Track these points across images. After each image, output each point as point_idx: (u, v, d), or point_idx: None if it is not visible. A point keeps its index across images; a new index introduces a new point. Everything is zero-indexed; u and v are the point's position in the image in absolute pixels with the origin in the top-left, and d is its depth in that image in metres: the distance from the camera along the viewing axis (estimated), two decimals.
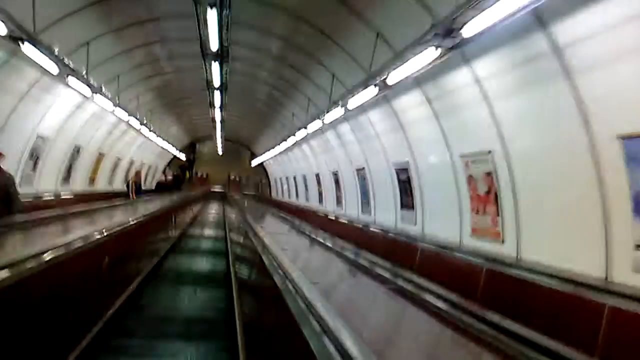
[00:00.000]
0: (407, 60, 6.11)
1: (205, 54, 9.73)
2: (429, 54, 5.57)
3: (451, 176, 7.57)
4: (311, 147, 17.63)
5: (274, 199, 29.49)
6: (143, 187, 19.26)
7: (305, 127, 12.89)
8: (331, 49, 10.08)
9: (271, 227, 9.24)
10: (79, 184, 15.36)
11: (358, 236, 11.11)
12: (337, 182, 15.42)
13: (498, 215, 6.46)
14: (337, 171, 15.23)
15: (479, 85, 6.46)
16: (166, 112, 20.87)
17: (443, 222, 8.07)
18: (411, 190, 9.39)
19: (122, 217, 8.72)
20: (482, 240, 6.80)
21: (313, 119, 12.08)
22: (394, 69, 6.56)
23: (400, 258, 7.54)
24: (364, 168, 12.39)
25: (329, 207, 16.64)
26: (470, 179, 7.06)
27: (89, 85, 9.67)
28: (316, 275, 3.90)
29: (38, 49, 6.96)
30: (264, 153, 24.79)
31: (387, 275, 4.28)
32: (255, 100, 18.45)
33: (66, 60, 8.21)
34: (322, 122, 11.20)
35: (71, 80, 8.92)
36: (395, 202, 10.25)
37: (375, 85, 7.43)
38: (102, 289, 5.69)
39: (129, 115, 13.74)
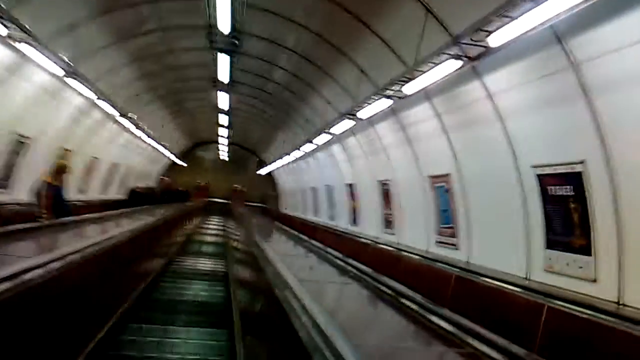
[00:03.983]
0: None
1: (212, 44, 9.07)
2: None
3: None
4: (347, 150, 16.12)
5: (283, 213, 28.50)
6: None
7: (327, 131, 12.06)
8: (359, 41, 9.33)
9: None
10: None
11: None
12: (386, 196, 12.35)
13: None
14: (387, 182, 12.24)
15: None
16: (160, 107, 19.32)
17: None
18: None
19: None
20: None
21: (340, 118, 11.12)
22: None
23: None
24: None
25: (369, 230, 13.53)
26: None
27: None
28: None
29: None
30: (274, 161, 23.89)
31: None
32: (267, 98, 17.65)
33: None
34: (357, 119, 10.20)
35: None
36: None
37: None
38: None
39: (98, 96, 10.96)
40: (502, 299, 6.14)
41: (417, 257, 8.94)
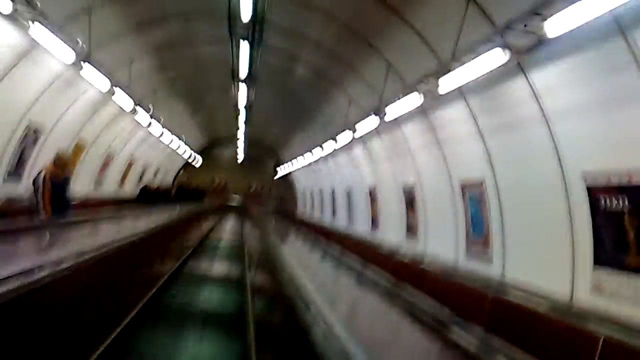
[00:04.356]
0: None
1: (233, 32, 8.59)
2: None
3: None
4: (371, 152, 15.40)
5: (300, 217, 27.96)
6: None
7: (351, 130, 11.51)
8: (389, 32, 8.78)
9: None
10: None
11: None
12: (410, 202, 11.48)
13: None
14: (412, 186, 11.40)
15: None
16: (178, 102, 18.95)
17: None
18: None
19: None
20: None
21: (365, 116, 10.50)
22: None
23: None
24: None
25: (390, 236, 12.73)
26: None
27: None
28: None
29: None
30: (292, 161, 23.36)
31: None
32: (287, 96, 17.19)
33: None
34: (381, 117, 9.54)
35: None
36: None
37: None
38: None
39: (112, 83, 10.19)
40: (548, 326, 5.47)
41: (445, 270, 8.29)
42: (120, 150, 17.01)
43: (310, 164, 21.87)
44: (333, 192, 20.12)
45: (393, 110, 8.68)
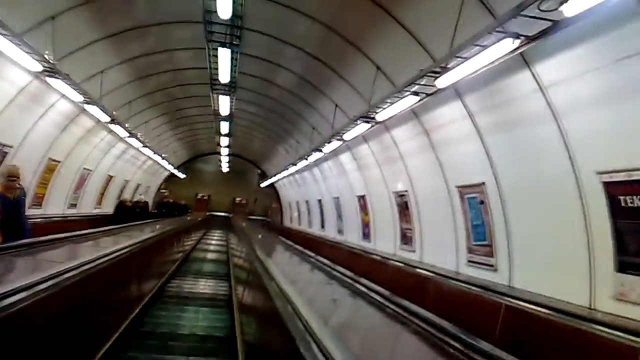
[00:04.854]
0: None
1: (211, 34, 8.13)
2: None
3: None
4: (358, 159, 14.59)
5: (287, 227, 27.34)
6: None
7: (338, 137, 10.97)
8: (377, 31, 8.30)
9: None
10: None
11: None
12: (403, 206, 10.85)
13: None
14: (404, 193, 10.72)
15: None
16: (156, 114, 17.93)
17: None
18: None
19: None
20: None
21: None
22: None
23: None
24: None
25: (384, 245, 12.10)
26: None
27: None
28: None
29: None
30: (277, 173, 22.78)
31: None
32: (270, 105, 16.69)
33: None
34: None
35: None
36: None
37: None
38: None
39: (81, 95, 9.46)
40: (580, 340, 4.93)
41: (452, 281, 7.74)
42: (97, 166, 16.25)
43: (293, 174, 21.36)
44: (320, 202, 19.59)
45: (385, 113, 8.17)
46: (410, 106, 7.52)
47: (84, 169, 15.21)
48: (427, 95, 6.92)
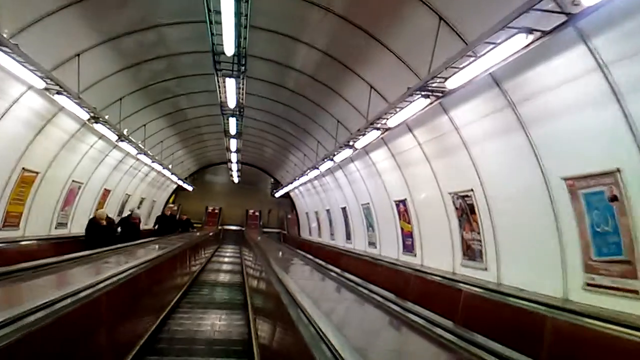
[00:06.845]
0: None
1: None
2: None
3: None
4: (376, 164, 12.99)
5: (305, 240, 24.87)
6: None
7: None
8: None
9: None
10: None
11: None
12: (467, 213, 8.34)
13: None
14: (468, 193, 8.20)
15: None
16: (164, 126, 16.83)
17: None
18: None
19: None
20: None
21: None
22: None
23: None
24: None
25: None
26: None
27: None
28: None
29: None
30: (293, 180, 20.55)
31: None
32: (277, 121, 16.41)
33: None
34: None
35: None
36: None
37: None
38: None
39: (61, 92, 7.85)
40: None
41: (569, 316, 5.30)
42: (89, 179, 14.08)
43: (307, 182, 19.35)
44: (345, 210, 17.31)
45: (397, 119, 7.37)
46: (424, 108, 6.06)
47: (73, 181, 13.03)
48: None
